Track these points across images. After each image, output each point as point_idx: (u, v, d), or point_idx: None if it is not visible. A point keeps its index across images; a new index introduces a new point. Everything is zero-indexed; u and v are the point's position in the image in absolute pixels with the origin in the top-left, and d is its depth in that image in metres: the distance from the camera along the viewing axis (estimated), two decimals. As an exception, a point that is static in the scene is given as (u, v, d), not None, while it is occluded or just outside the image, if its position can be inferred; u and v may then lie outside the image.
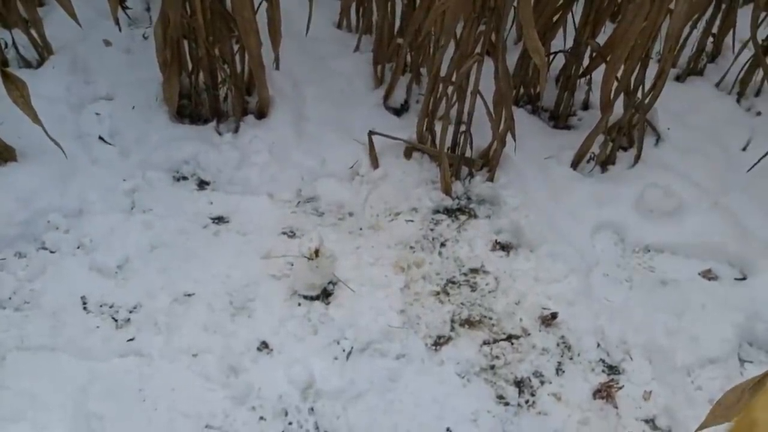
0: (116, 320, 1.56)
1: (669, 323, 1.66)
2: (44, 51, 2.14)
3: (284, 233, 1.81)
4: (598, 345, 1.62)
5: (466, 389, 1.51)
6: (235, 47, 1.97)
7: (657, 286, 1.77)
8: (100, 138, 1.97)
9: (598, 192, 1.96)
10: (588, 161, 2.07)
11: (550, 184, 1.97)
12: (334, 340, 1.56)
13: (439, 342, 1.59)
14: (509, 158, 1.97)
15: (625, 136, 2.09)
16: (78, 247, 1.70)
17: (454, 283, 1.74)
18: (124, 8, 2.28)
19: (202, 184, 1.92)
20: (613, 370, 1.59)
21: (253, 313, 1.60)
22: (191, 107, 2.06)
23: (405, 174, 1.99)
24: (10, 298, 1.57)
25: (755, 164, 1.94)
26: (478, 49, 1.72)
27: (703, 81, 2.45)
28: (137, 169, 1.90)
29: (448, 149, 1.95)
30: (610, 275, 1.79)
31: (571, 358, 1.60)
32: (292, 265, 1.67)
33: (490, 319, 1.66)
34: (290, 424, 1.42)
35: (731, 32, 2.33)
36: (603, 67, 1.90)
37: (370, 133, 1.96)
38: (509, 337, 1.62)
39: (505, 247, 1.84)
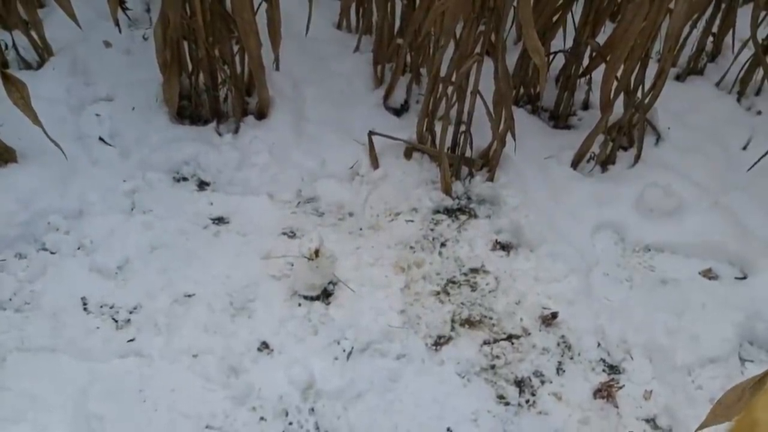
0: (116, 321, 1.56)
1: (669, 323, 1.65)
2: (44, 52, 2.14)
3: (284, 234, 1.81)
4: (599, 344, 1.62)
5: (466, 389, 1.51)
6: (235, 48, 1.97)
7: (657, 285, 1.77)
8: (100, 139, 1.97)
9: (598, 192, 1.96)
10: (588, 161, 2.07)
11: (550, 184, 1.97)
12: (335, 340, 1.56)
13: (440, 342, 1.59)
14: (509, 158, 1.97)
15: (625, 136, 2.09)
16: (78, 248, 1.70)
17: (454, 283, 1.74)
18: (124, 9, 2.28)
19: (202, 185, 1.92)
20: (613, 369, 1.59)
21: (253, 314, 1.60)
22: (191, 108, 2.07)
23: (405, 174, 1.99)
24: (10, 299, 1.57)
25: (755, 163, 1.94)
26: (477, 49, 1.72)
27: (703, 80, 2.45)
28: (137, 170, 1.90)
29: (448, 149, 1.95)
30: (610, 275, 1.79)
31: (571, 358, 1.59)
32: (293, 265, 1.67)
33: (491, 318, 1.66)
34: (290, 424, 1.42)
35: (731, 32, 2.33)
36: (603, 66, 1.90)
37: (370, 133, 1.96)
38: (509, 337, 1.62)
39: (505, 247, 1.84)
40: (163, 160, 1.93)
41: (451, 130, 1.92)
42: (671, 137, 2.16)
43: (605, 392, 1.52)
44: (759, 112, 2.33)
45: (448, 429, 1.44)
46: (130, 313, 1.58)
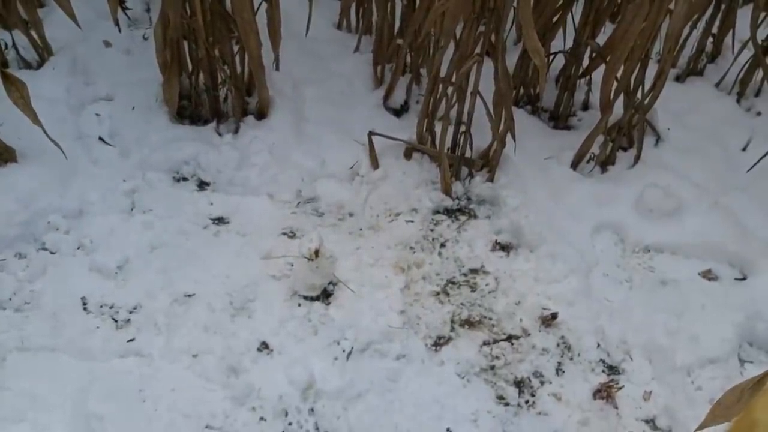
0: (116, 321, 1.56)
1: (669, 323, 1.66)
2: (44, 52, 2.14)
3: (284, 234, 1.81)
4: (598, 345, 1.62)
5: (466, 389, 1.51)
6: (235, 48, 1.97)
7: (657, 286, 1.77)
8: (100, 139, 1.97)
9: (598, 192, 1.96)
10: (588, 161, 2.08)
11: (549, 185, 1.97)
12: (335, 340, 1.56)
13: (439, 342, 1.59)
14: (509, 158, 1.97)
15: (624, 137, 2.09)
16: (78, 248, 1.70)
17: (454, 283, 1.74)
18: (124, 9, 2.28)
19: (202, 185, 1.92)
20: (613, 370, 1.59)
21: (253, 314, 1.60)
22: (191, 108, 2.07)
23: (405, 174, 1.99)
24: (10, 299, 1.57)
25: (755, 164, 1.95)
26: (477, 50, 1.72)
27: (703, 81, 2.45)
28: (137, 170, 1.90)
29: (448, 150, 1.95)
30: (610, 275, 1.79)
31: (571, 359, 1.60)
32: (292, 265, 1.67)
33: (490, 319, 1.66)
34: (290, 424, 1.42)
35: (731, 32, 2.33)
36: (603, 67, 1.90)
37: (370, 133, 1.96)
38: (509, 338, 1.62)
39: (505, 248, 1.84)
40: (163, 159, 1.93)
41: (451, 130, 1.92)
42: (671, 138, 2.16)
43: (605, 393, 1.52)
44: (759, 113, 2.33)
45: (448, 429, 1.44)
46: (130, 312, 1.58)
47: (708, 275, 1.81)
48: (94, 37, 2.24)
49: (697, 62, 2.45)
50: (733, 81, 2.36)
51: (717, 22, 2.35)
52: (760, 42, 2.16)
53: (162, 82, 1.97)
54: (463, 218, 1.91)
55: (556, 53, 2.15)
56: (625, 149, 2.12)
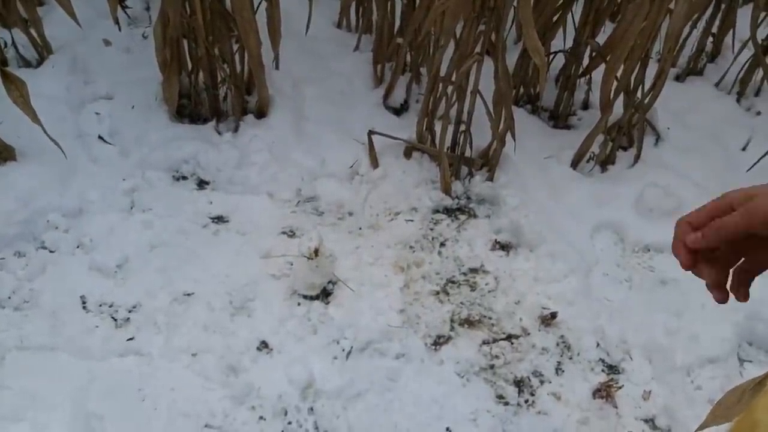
0: (116, 320, 1.56)
1: (669, 323, 1.66)
2: (44, 50, 2.13)
3: (284, 233, 1.81)
4: (598, 345, 1.62)
5: (465, 389, 1.51)
6: (235, 47, 1.97)
7: (657, 285, 1.77)
8: (100, 137, 1.97)
9: (597, 192, 1.96)
10: (588, 161, 2.08)
11: (549, 184, 1.97)
12: (334, 339, 1.56)
13: (439, 342, 1.59)
14: (509, 158, 1.97)
15: (624, 136, 2.09)
16: (77, 247, 1.70)
17: (453, 282, 1.74)
18: (124, 8, 2.28)
19: (202, 184, 1.92)
20: (612, 369, 1.59)
21: (252, 313, 1.60)
22: (191, 107, 2.06)
23: (405, 174, 1.99)
24: (9, 298, 1.57)
25: (755, 164, 1.95)
26: (477, 49, 1.72)
27: (703, 81, 2.45)
28: (137, 169, 1.89)
29: (447, 149, 1.95)
30: (610, 275, 1.79)
31: (570, 358, 1.60)
32: (292, 264, 1.66)
33: (490, 318, 1.66)
34: (290, 423, 1.42)
35: (731, 32, 2.33)
36: (603, 66, 1.90)
37: (370, 132, 1.96)
38: (509, 337, 1.62)
39: (504, 247, 1.84)
40: (163, 158, 1.93)
41: (450, 129, 1.92)
42: (671, 137, 2.17)
43: (604, 392, 1.52)
44: (758, 113, 2.33)
45: (447, 429, 1.44)
46: (130, 311, 1.58)
47: (708, 275, 1.81)
48: (94, 35, 2.23)
49: (697, 62, 2.45)
50: (733, 80, 2.36)
51: (717, 22, 2.35)
52: (760, 41, 2.16)
53: (162, 80, 1.96)
54: (462, 217, 1.91)
55: (556, 52, 2.15)
56: (625, 149, 2.12)
